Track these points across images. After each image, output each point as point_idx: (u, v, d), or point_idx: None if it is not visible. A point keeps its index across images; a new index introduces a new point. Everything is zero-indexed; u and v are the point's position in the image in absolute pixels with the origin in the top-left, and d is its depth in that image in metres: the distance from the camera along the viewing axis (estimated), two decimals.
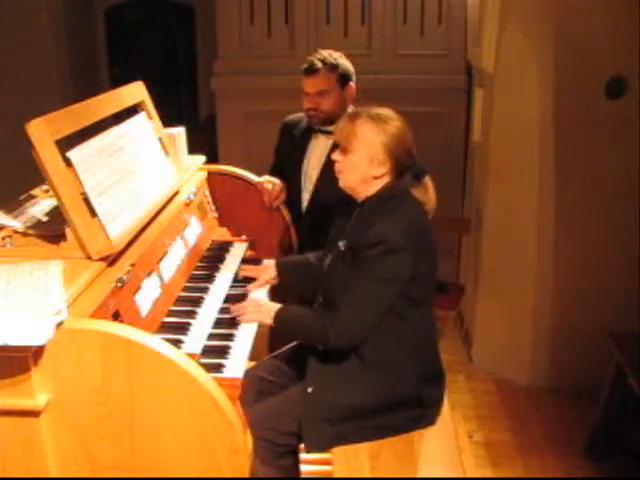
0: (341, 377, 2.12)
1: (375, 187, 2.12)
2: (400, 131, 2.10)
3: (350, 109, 2.90)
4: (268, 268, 2.55)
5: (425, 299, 2.15)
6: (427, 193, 2.18)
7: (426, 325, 2.20)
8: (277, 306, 2.22)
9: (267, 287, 2.53)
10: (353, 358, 2.11)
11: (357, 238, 2.07)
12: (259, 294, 2.48)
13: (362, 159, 2.09)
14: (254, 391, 2.33)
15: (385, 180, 2.12)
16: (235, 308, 2.29)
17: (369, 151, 2.08)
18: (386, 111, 2.14)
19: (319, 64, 2.75)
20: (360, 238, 2.05)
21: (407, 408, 2.14)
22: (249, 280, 2.57)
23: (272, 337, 2.71)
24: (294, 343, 2.46)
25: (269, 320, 2.19)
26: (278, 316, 2.18)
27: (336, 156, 2.16)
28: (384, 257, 2.00)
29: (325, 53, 2.80)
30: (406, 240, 2.02)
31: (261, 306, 2.27)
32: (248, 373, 2.15)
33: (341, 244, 2.16)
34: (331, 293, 2.15)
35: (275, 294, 2.55)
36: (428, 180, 2.20)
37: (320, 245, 2.41)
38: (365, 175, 2.11)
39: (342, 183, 2.17)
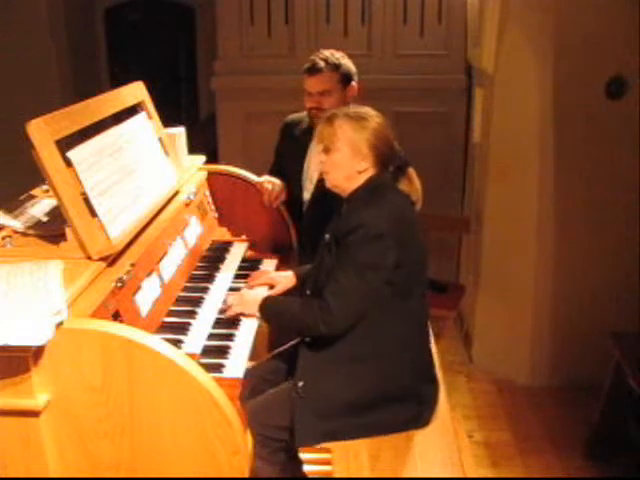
0: (331, 370, 2.13)
1: (360, 181, 2.16)
2: (379, 125, 2.15)
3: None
4: (285, 277, 2.53)
5: (412, 291, 2.14)
6: (412, 184, 2.22)
7: (416, 319, 2.20)
8: (262, 296, 2.28)
9: (266, 289, 2.53)
10: (343, 351, 2.12)
11: (340, 227, 2.12)
12: (259, 292, 2.48)
13: (345, 156, 2.14)
14: (250, 389, 2.33)
15: (369, 173, 2.16)
16: (225, 302, 2.35)
17: (351, 147, 2.13)
18: (364, 109, 2.21)
19: (322, 63, 2.75)
20: (342, 226, 2.10)
21: (400, 405, 2.13)
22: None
23: (272, 336, 2.71)
24: (294, 342, 2.46)
25: (254, 310, 2.25)
26: (264, 306, 2.24)
27: (321, 157, 2.21)
28: (366, 243, 2.03)
29: (327, 53, 2.80)
30: (388, 226, 2.04)
31: (245, 299, 2.32)
32: (247, 372, 2.16)
33: (327, 236, 2.20)
34: (318, 285, 2.16)
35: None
36: (412, 171, 2.24)
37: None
38: (350, 171, 2.15)
39: (329, 183, 2.22)
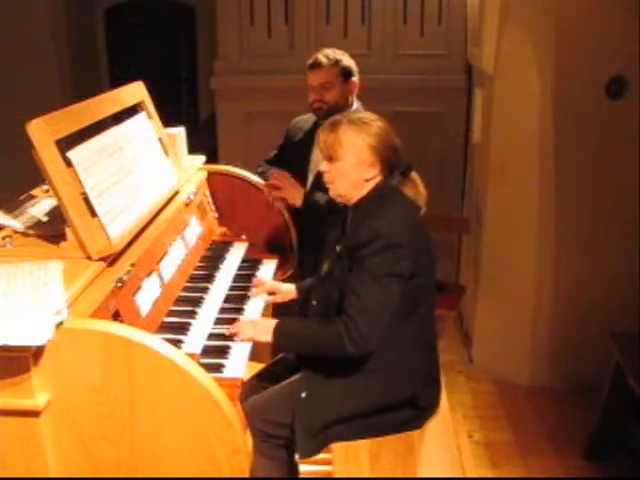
0: (336, 382, 2.10)
1: (366, 189, 2.12)
2: (383, 130, 2.11)
3: (355, 104, 2.95)
4: (287, 288, 2.48)
5: (424, 300, 2.13)
6: (417, 188, 2.18)
7: (426, 327, 2.18)
8: (273, 322, 2.13)
9: (265, 295, 2.50)
10: (351, 363, 2.07)
11: (352, 238, 2.06)
12: (258, 300, 2.48)
13: (351, 164, 2.09)
14: (249, 388, 2.33)
15: (376, 180, 2.12)
16: (231, 328, 2.20)
17: (357, 155, 2.08)
18: (366, 114, 2.18)
19: (323, 59, 2.92)
20: (355, 237, 2.04)
21: (400, 411, 2.13)
22: (249, 278, 2.59)
23: None
24: (281, 356, 2.45)
25: (267, 337, 2.11)
26: (278, 331, 2.10)
27: (323, 167, 2.15)
28: (383, 253, 1.98)
29: (329, 50, 2.96)
30: (402, 235, 2.00)
31: (257, 324, 2.19)
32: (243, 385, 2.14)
33: (337, 248, 2.15)
34: (328, 297, 2.12)
35: (276, 307, 2.56)
36: (415, 175, 2.20)
37: (320, 245, 2.40)
38: (356, 179, 2.10)
39: (333, 192, 2.16)
